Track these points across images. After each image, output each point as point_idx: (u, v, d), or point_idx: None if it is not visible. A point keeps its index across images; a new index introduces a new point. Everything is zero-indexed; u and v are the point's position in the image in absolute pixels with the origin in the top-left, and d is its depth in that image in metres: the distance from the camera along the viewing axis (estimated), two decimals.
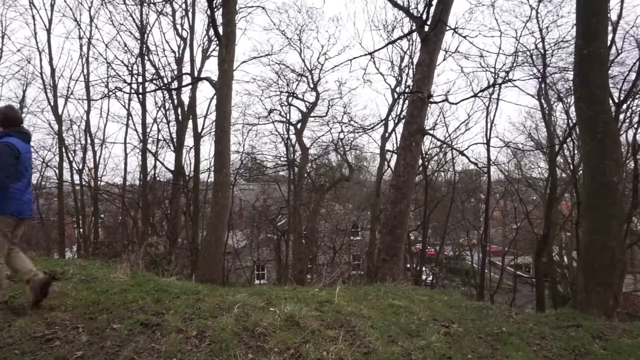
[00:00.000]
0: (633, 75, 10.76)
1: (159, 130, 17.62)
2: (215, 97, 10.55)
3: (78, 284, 4.21)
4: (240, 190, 23.46)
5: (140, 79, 16.85)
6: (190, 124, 17.00)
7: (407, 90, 16.52)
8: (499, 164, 21.89)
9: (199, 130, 16.92)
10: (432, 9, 8.63)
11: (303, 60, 27.06)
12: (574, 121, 12.14)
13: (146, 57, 16.38)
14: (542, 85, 15.40)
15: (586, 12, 5.90)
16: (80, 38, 17.16)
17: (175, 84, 16.22)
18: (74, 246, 18.68)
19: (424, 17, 8.82)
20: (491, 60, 34.90)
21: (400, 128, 18.15)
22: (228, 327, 3.35)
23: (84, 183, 18.01)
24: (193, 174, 16.88)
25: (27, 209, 3.62)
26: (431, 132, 15.26)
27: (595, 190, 5.71)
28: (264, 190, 23.82)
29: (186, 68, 16.94)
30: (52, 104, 16.66)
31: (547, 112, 16.52)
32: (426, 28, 8.79)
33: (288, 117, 20.15)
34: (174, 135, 17.26)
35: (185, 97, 17.37)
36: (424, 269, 19.65)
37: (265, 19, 44.05)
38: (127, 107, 17.44)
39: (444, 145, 18.48)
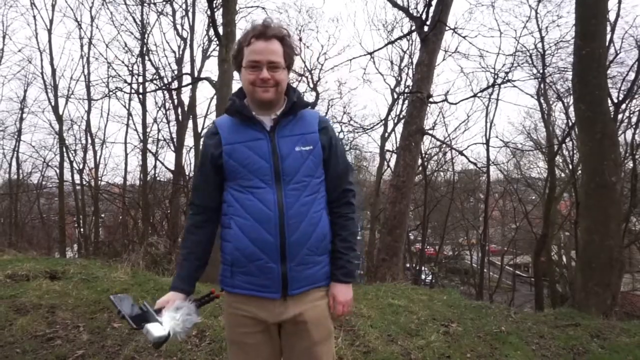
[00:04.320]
0: (632, 75, 10.76)
1: (159, 130, 17.60)
2: (215, 97, 10.55)
3: (79, 284, 4.23)
4: None
5: (140, 79, 16.82)
6: (190, 124, 17.00)
7: (406, 90, 16.51)
8: (498, 164, 21.87)
9: (199, 130, 16.92)
10: (432, 9, 8.66)
11: (303, 60, 27.02)
12: (573, 121, 12.15)
13: (146, 57, 16.35)
14: (542, 85, 15.38)
15: (585, 12, 5.92)
16: (80, 38, 17.07)
17: (175, 84, 16.20)
18: (74, 245, 18.68)
19: (424, 17, 8.85)
20: (491, 60, 34.97)
21: (399, 128, 18.12)
22: None
23: (84, 183, 17.98)
24: (193, 174, 16.88)
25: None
26: (431, 132, 15.25)
27: (594, 190, 5.72)
28: None
29: (186, 68, 16.94)
30: (52, 104, 16.61)
31: (546, 112, 16.52)
32: (426, 28, 8.81)
33: None
34: (174, 135, 17.24)
35: (186, 97, 17.35)
36: (423, 268, 19.63)
37: None
38: (127, 107, 17.41)
39: (444, 145, 18.48)
